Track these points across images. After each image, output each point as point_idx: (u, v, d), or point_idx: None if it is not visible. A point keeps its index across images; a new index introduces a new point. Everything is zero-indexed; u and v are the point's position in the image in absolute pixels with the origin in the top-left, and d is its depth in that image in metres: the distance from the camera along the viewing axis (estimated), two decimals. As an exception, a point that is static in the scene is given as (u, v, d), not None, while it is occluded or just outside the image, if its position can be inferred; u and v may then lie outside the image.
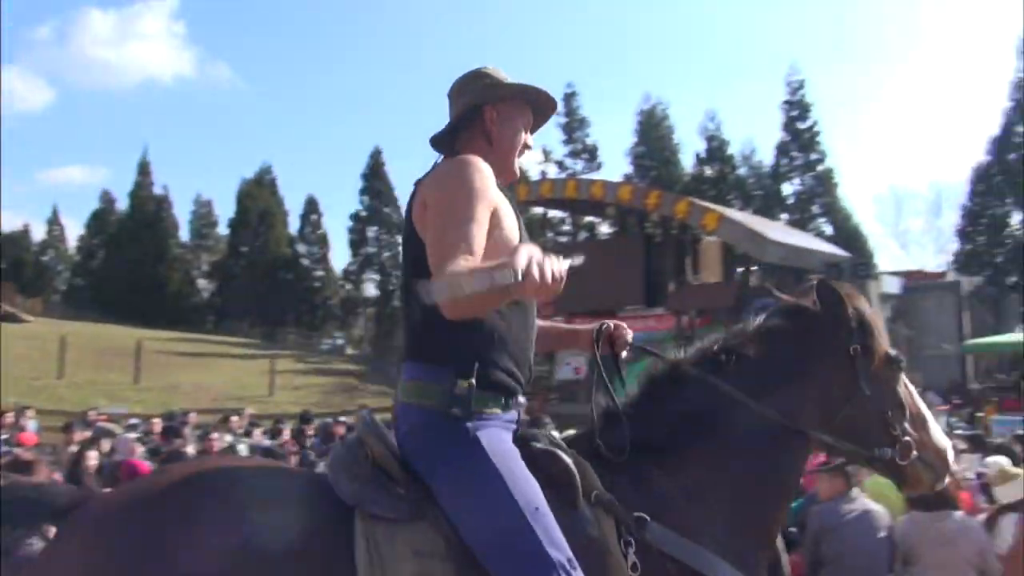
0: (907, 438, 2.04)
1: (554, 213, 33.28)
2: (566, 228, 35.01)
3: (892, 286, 22.21)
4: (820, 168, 32.40)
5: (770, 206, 31.77)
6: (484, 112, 1.91)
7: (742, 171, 34.05)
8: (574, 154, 35.17)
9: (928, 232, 35.99)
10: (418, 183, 1.82)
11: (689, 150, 34.90)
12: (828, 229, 31.43)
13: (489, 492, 1.65)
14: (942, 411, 16.33)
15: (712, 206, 20.34)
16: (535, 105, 1.98)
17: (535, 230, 35.21)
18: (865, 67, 65.35)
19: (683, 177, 33.52)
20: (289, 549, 1.57)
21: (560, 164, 35.20)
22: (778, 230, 22.85)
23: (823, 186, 32.20)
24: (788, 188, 33.29)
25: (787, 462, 2.03)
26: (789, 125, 32.63)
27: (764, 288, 21.23)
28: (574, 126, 35.14)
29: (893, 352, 2.12)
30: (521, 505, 1.64)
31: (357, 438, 1.77)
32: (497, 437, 1.74)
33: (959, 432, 9.92)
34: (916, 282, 24.53)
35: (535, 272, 1.44)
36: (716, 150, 33.74)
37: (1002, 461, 5.14)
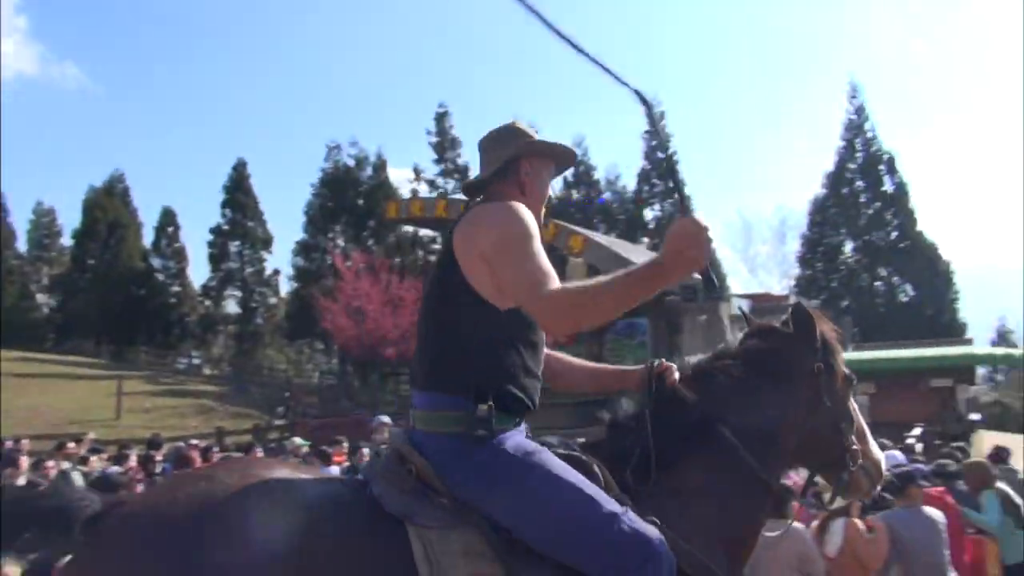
0: (855, 447, 2.28)
1: (425, 232, 33.32)
2: (437, 247, 35.11)
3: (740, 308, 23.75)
4: (677, 196, 34.30)
5: (633, 230, 33.21)
6: (520, 165, 2.09)
7: (607, 196, 35.42)
8: (446, 173, 35.37)
9: (774, 257, 38.75)
10: (460, 223, 1.96)
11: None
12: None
13: (544, 481, 1.82)
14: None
15: (578, 229, 21.00)
16: (558, 159, 2.22)
17: (405, 248, 35.16)
18: (719, 97, 69.69)
19: (551, 199, 34.49)
20: (350, 555, 1.71)
21: (432, 183, 35.28)
22: (640, 253, 23.92)
23: (678, 213, 34.08)
24: (649, 213, 34.93)
25: (757, 491, 2.14)
26: (650, 154, 34.31)
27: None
28: (446, 145, 35.37)
29: (848, 371, 2.37)
30: (571, 480, 1.83)
31: (396, 453, 1.91)
32: (523, 440, 1.93)
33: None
34: (762, 304, 26.32)
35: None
36: (583, 175, 34.93)
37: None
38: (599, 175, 35.35)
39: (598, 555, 1.77)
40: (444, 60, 72.27)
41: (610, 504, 1.82)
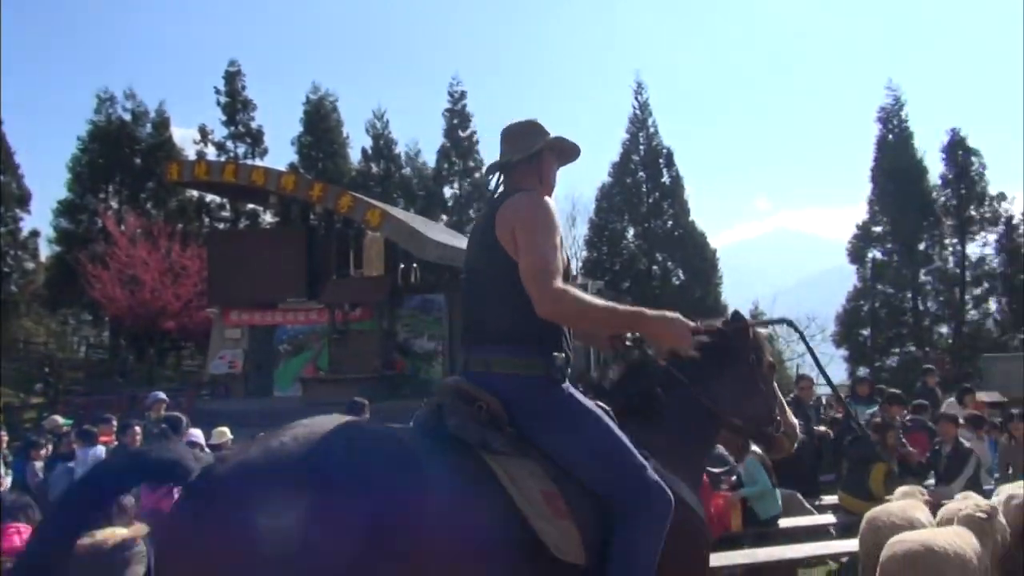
0: (779, 418, 2.97)
1: (212, 198, 31.23)
2: (225, 214, 33.05)
3: (533, 286, 24.71)
4: (477, 175, 34.85)
5: (432, 207, 33.36)
6: (544, 156, 2.55)
7: (407, 171, 35.22)
8: (235, 137, 33.29)
9: (566, 240, 40.69)
10: (499, 207, 2.39)
11: (357, 145, 35.18)
12: (482, 232, 33.97)
13: (597, 428, 2.33)
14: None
15: (376, 203, 20.75)
16: (568, 155, 2.66)
17: (189, 215, 32.72)
18: (523, 87, 71.60)
19: (350, 172, 33.65)
20: (455, 479, 2.07)
21: (221, 146, 33.08)
22: (438, 230, 24.13)
23: (479, 192, 34.68)
24: (449, 191, 35.25)
25: (712, 431, 2.88)
26: (451, 132, 34.57)
27: (421, 284, 22.29)
28: (237, 107, 33.26)
29: (772, 359, 3.10)
30: (617, 433, 2.35)
31: (462, 393, 2.29)
32: (577, 392, 2.43)
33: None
34: (552, 284, 27.69)
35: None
36: (383, 148, 34.46)
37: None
38: (399, 150, 35.07)
39: (631, 494, 2.25)
40: (238, 16, 67.75)
41: (640, 455, 2.34)
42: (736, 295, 39.91)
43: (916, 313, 34.66)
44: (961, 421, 8.10)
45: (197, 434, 7.12)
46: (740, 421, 2.88)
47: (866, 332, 35.29)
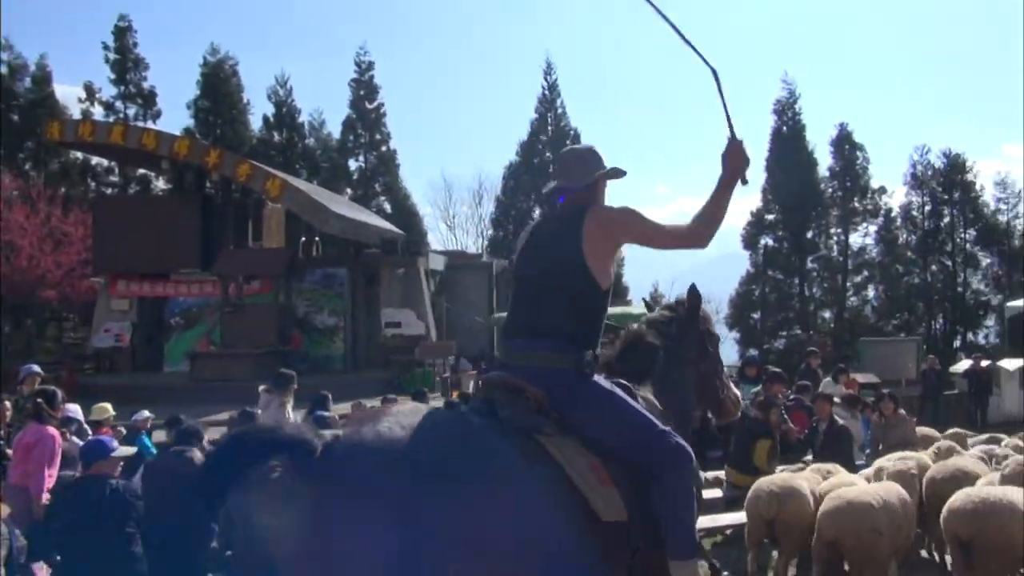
0: (724, 385, 3.45)
1: (99, 160, 29.43)
2: (114, 179, 31.22)
3: (438, 264, 24.62)
4: (384, 149, 34.22)
5: (336, 179, 32.55)
6: (599, 184, 2.99)
7: (311, 141, 34.19)
8: (126, 97, 31.39)
9: (471, 218, 40.63)
10: (587, 212, 2.76)
11: (258, 113, 33.83)
12: (388, 207, 33.42)
13: (623, 407, 2.73)
14: (471, 375, 18.77)
15: (277, 172, 20.08)
16: (614, 175, 3.04)
17: (73, 178, 30.72)
18: (426, 58, 70.63)
19: (250, 139, 32.36)
20: (523, 458, 2.42)
21: (109, 106, 31.13)
22: (341, 204, 23.59)
23: (385, 166, 34.09)
24: (353, 164, 34.48)
25: (692, 397, 3.35)
26: (357, 103, 33.74)
27: (323, 258, 21.80)
28: (127, 65, 31.33)
29: (717, 332, 3.55)
30: (638, 407, 2.78)
31: (509, 386, 2.64)
32: (603, 379, 2.81)
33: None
34: (458, 261, 27.59)
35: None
36: (285, 117, 33.28)
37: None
38: (303, 119, 33.96)
39: (658, 455, 2.66)
40: (130, -32, 63.75)
41: (660, 422, 2.75)
42: (637, 277, 40.94)
43: (802, 298, 36.53)
44: (837, 400, 8.63)
45: (74, 409, 6.75)
46: (705, 388, 3.39)
47: (756, 316, 36.94)
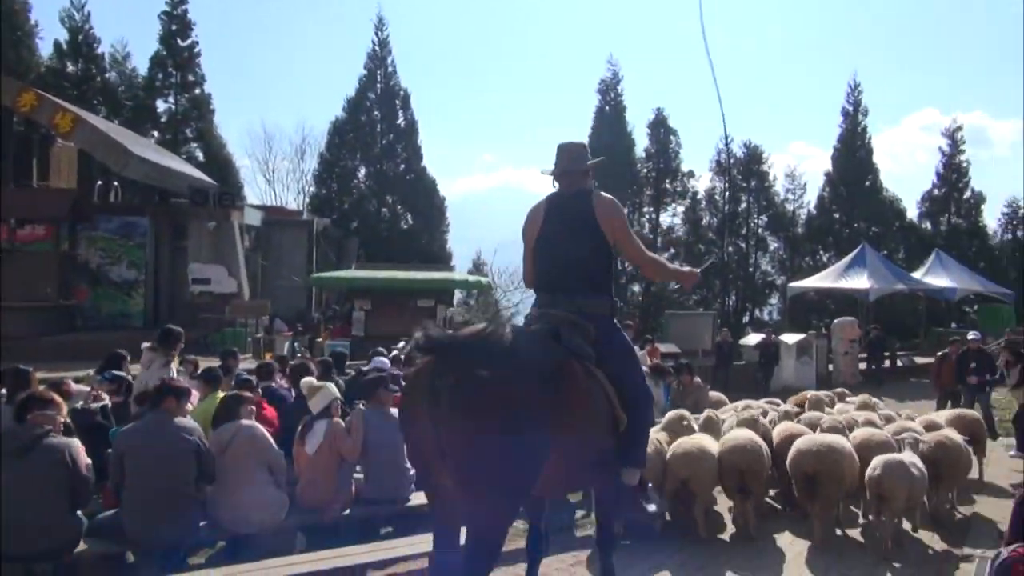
0: None
1: None
2: None
3: (254, 218, 23.32)
4: (197, 91, 31.72)
5: (141, 120, 29.77)
6: (591, 171, 3.89)
7: (112, 76, 30.92)
8: None
9: (292, 173, 38.85)
10: (592, 197, 3.69)
11: (49, 38, 30.06)
12: (200, 155, 31.10)
13: (636, 359, 3.88)
14: (287, 336, 18.04)
15: (69, 106, 17.98)
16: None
17: None
18: (255, 6, 66.20)
19: (38, 67, 28.69)
20: (583, 371, 3.31)
21: None
22: (146, 147, 21.60)
23: (198, 110, 31.63)
24: (162, 105, 31.68)
25: None
26: (167, 39, 30.94)
27: (122, 205, 19.88)
28: None
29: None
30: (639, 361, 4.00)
31: (569, 321, 3.46)
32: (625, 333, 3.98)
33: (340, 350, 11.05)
34: (276, 217, 26.29)
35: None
36: (82, 45, 29.84)
37: (311, 379, 5.94)
38: (103, 50, 30.59)
39: (641, 392, 3.67)
40: None
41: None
42: (461, 244, 41.18)
43: (616, 272, 38.51)
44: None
45: None
46: None
47: (573, 286, 38.49)
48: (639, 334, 13.57)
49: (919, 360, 20.98)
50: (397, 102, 34.81)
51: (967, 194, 36.39)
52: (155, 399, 4.78)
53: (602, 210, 3.64)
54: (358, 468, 5.37)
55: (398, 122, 34.84)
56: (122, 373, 6.78)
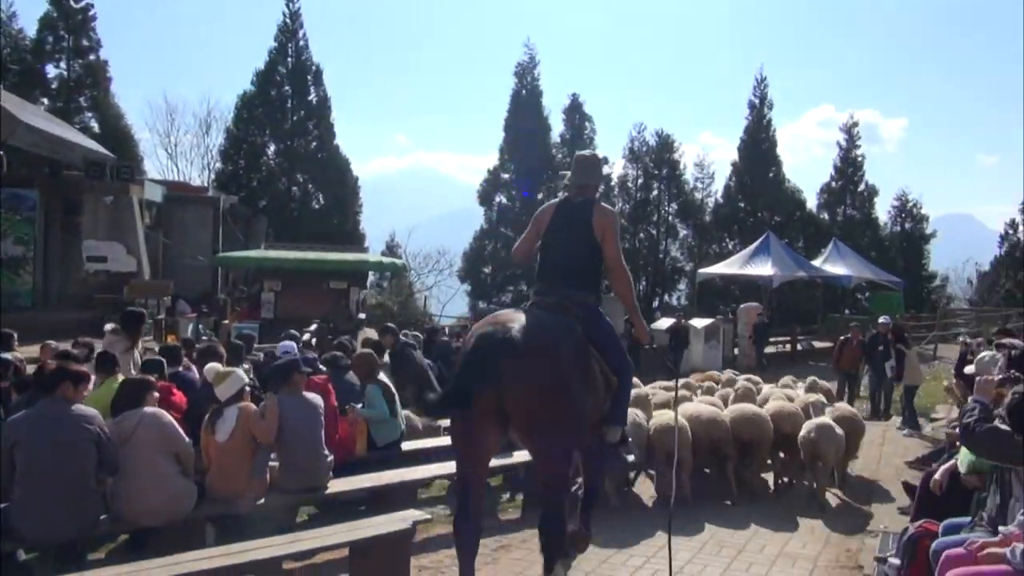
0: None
1: None
2: None
3: (155, 194, 22.15)
4: (92, 57, 29.83)
5: (29, 86, 27.77)
6: (600, 187, 4.84)
7: (-3, 39, 28.67)
8: None
9: (197, 148, 37.22)
10: (594, 206, 4.30)
11: (-79, -8, 27.56)
12: (95, 126, 29.32)
13: (616, 336, 4.40)
14: (191, 318, 17.25)
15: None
16: None
17: None
18: (153, -34, 62.75)
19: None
20: (587, 342, 4.04)
21: None
22: (35, 114, 20.14)
23: (93, 77, 29.77)
24: (53, 71, 29.65)
25: None
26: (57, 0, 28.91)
27: (8, 176, 18.48)
28: None
29: None
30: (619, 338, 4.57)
31: (566, 307, 4.10)
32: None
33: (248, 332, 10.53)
34: (178, 194, 25.06)
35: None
36: (-39, 2, 27.54)
37: (216, 365, 5.67)
38: (-13, 9, 28.30)
39: (623, 365, 4.23)
40: None
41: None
42: (374, 225, 40.51)
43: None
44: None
45: None
46: None
47: (487, 270, 38.49)
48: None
49: (817, 344, 22.00)
50: (309, 77, 33.77)
51: (861, 187, 38.32)
52: (49, 384, 4.43)
53: (598, 216, 4.25)
54: (273, 456, 5.14)
55: (310, 98, 33.82)
56: (8, 355, 6.27)
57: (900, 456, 8.24)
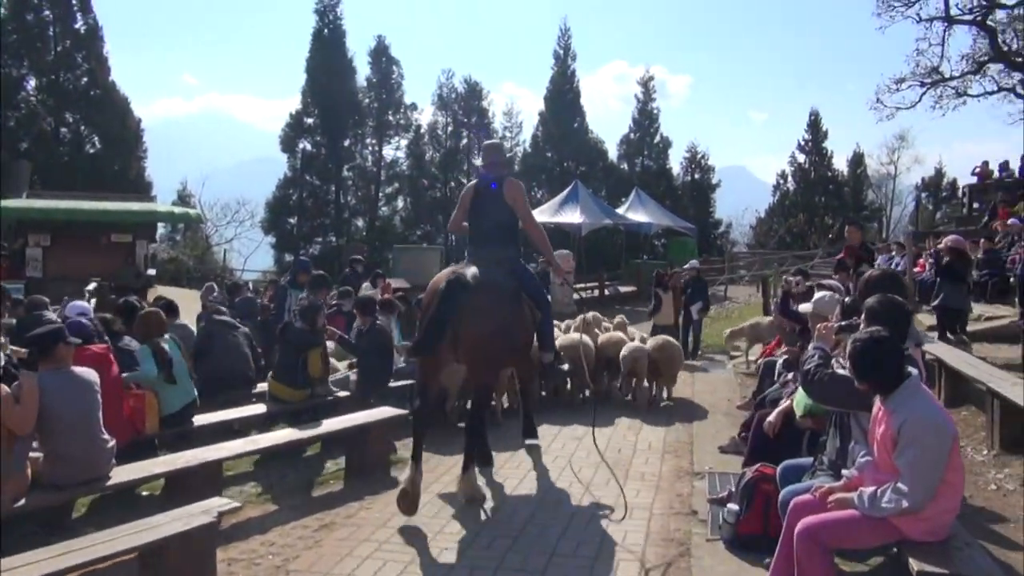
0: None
1: None
2: None
3: None
4: None
5: None
6: (504, 164, 5.98)
7: None
8: None
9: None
10: (504, 180, 5.50)
11: None
12: None
13: (536, 279, 5.97)
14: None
15: None
16: None
17: None
18: None
19: None
20: (519, 290, 5.47)
21: None
22: None
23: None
24: None
25: None
26: None
27: None
28: None
29: None
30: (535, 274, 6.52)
31: (497, 262, 5.30)
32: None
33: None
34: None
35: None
36: None
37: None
38: None
39: (544, 300, 5.74)
40: None
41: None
42: (163, 172, 36.97)
43: (338, 205, 37.17)
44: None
45: None
46: None
47: (293, 221, 36.51)
48: (369, 269, 12.99)
49: (623, 289, 22.99)
50: (75, 3, 29.67)
51: (657, 139, 40.43)
52: None
53: (508, 190, 5.42)
54: (35, 446, 4.22)
55: (77, 26, 29.78)
56: None
57: (709, 393, 8.64)
